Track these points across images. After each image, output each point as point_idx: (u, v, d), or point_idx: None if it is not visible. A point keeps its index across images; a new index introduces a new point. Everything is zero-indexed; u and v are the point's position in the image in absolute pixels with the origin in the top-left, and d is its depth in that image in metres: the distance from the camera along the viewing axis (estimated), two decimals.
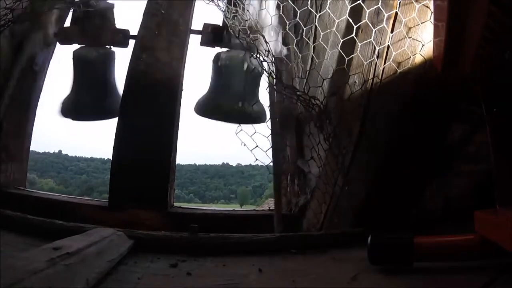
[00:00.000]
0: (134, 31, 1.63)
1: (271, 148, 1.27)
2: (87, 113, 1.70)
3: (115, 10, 1.66)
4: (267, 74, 1.27)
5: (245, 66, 1.53)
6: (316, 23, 1.21)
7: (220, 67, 1.64)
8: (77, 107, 1.66)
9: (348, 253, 0.94)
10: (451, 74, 0.81)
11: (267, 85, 1.33)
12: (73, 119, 1.68)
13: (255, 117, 1.59)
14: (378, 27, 1.06)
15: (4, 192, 1.45)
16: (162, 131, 1.52)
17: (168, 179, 1.49)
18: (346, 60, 1.14)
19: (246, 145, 1.19)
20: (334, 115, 1.22)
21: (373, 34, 1.07)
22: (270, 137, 1.27)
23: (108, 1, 1.64)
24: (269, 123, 1.40)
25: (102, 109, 1.67)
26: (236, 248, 0.93)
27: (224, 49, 1.66)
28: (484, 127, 0.73)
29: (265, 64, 1.29)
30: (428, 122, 1.05)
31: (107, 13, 1.64)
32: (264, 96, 1.34)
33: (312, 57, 1.33)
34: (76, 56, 1.63)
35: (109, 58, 1.68)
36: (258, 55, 1.29)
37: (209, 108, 1.66)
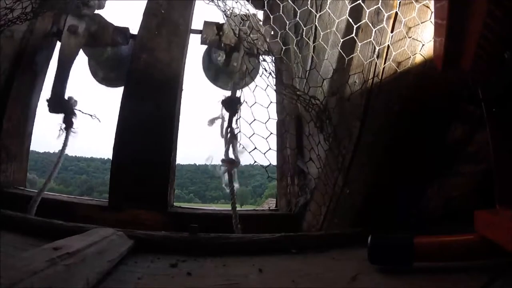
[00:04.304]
0: (134, 30, 1.64)
1: (269, 150, 1.27)
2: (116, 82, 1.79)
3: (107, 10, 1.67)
4: (266, 74, 1.26)
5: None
6: (316, 23, 1.21)
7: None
8: (106, 80, 1.79)
9: (348, 253, 0.94)
10: (451, 73, 0.81)
11: (267, 84, 1.32)
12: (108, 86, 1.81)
13: None
14: (378, 27, 1.06)
15: (4, 192, 1.45)
16: (162, 131, 1.52)
17: (168, 179, 1.49)
18: (346, 60, 1.14)
19: (245, 148, 1.20)
20: (334, 115, 1.22)
21: (373, 34, 1.07)
22: (269, 138, 1.27)
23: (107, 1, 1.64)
24: (268, 124, 1.39)
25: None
26: (236, 248, 0.93)
27: None
28: (484, 127, 0.73)
29: (265, 64, 1.29)
30: (428, 122, 1.05)
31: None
32: (264, 96, 1.34)
33: (312, 57, 1.33)
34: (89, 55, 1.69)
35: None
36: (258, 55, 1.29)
37: None
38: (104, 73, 1.80)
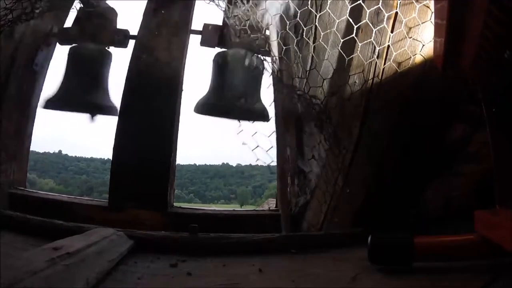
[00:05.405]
0: (134, 31, 1.63)
1: (272, 148, 1.27)
2: (73, 104, 1.59)
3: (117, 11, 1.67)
4: (270, 72, 1.26)
5: (247, 62, 1.48)
6: (316, 23, 1.21)
7: (220, 65, 1.61)
8: (64, 98, 1.57)
9: (348, 253, 0.94)
10: (451, 74, 0.81)
11: (268, 84, 1.33)
12: (55, 109, 1.58)
13: (258, 115, 1.54)
14: (378, 27, 1.06)
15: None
16: (162, 131, 1.52)
17: (168, 179, 1.49)
18: (346, 60, 1.14)
19: (247, 145, 1.20)
20: (334, 115, 1.22)
21: (373, 34, 1.07)
22: (271, 137, 1.27)
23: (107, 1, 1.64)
24: (271, 122, 1.39)
25: (89, 102, 1.57)
26: (236, 248, 0.93)
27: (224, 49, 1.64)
28: (484, 127, 0.73)
29: (266, 63, 1.30)
30: (428, 122, 1.05)
31: (108, 13, 1.64)
32: (265, 96, 1.35)
33: (312, 57, 1.33)
34: (72, 51, 1.60)
35: (104, 57, 1.63)
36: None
37: (210, 106, 1.62)
38: (66, 89, 1.55)
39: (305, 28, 1.26)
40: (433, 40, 0.88)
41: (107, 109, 1.60)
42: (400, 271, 0.75)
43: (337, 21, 1.18)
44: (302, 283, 0.71)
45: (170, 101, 1.54)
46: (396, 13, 1.03)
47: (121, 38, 1.63)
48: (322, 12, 1.21)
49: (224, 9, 1.38)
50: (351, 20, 1.11)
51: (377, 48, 1.07)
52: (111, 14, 1.65)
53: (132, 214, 1.41)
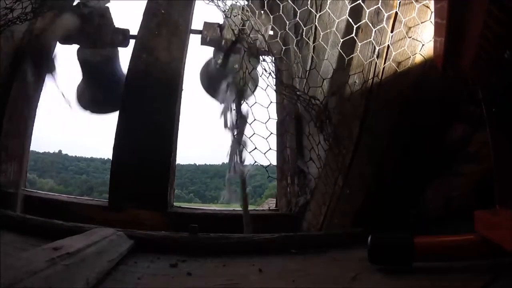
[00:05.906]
0: (134, 31, 1.64)
1: (269, 150, 1.26)
2: (104, 107, 1.84)
3: (111, 10, 1.67)
4: (266, 74, 1.26)
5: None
6: (316, 23, 1.21)
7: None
8: (93, 102, 1.82)
9: (348, 253, 0.94)
10: (451, 74, 0.81)
11: (267, 84, 1.32)
12: (92, 112, 1.85)
13: None
14: (378, 27, 1.06)
15: (4, 192, 1.45)
16: (162, 131, 1.52)
17: (168, 179, 1.49)
18: (346, 60, 1.14)
19: (245, 148, 1.19)
20: (334, 115, 1.22)
21: (373, 34, 1.07)
22: (269, 138, 1.27)
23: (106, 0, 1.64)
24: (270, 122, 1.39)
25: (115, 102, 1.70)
26: (236, 248, 0.93)
27: None
28: (484, 127, 0.73)
29: (264, 64, 1.29)
30: (428, 122, 1.05)
31: (107, 12, 1.64)
32: (264, 96, 1.34)
33: (312, 57, 1.33)
34: (82, 58, 1.67)
35: (113, 57, 1.72)
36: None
37: None
38: (92, 93, 1.77)
39: (305, 28, 1.26)
40: (433, 40, 0.88)
41: None
42: (400, 271, 0.75)
43: (337, 21, 1.18)
44: (302, 283, 0.71)
45: (170, 101, 1.54)
46: (396, 13, 1.04)
47: (121, 38, 1.64)
48: (322, 12, 1.21)
49: (223, 10, 1.38)
50: (351, 20, 1.11)
51: (377, 48, 1.07)
52: (108, 13, 1.65)
53: (132, 214, 1.41)
